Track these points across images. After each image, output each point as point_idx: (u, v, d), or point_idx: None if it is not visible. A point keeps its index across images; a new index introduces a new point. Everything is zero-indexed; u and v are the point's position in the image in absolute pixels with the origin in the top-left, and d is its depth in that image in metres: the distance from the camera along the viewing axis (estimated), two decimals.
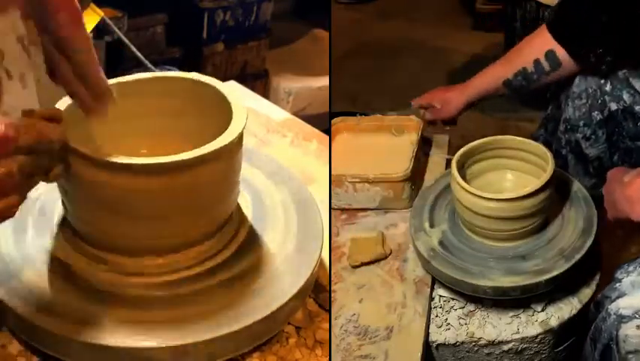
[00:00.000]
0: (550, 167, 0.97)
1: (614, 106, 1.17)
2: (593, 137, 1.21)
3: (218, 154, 0.73)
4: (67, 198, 0.78)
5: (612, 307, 0.86)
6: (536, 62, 1.19)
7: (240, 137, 0.78)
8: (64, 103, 0.78)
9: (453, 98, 1.34)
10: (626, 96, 1.15)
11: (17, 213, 0.84)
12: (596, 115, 1.19)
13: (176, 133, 0.87)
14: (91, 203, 0.75)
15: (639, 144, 1.17)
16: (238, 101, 0.81)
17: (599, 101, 1.18)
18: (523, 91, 1.26)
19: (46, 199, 0.87)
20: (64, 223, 0.83)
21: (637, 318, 0.83)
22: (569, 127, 1.23)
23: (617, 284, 0.88)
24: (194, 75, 0.88)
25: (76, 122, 0.76)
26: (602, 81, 1.16)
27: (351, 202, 1.17)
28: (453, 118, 1.37)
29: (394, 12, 3.11)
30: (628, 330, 0.83)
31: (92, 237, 0.79)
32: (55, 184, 0.79)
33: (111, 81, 0.83)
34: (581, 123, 1.21)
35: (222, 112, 0.81)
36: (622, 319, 0.84)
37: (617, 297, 0.86)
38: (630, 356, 0.83)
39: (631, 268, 0.90)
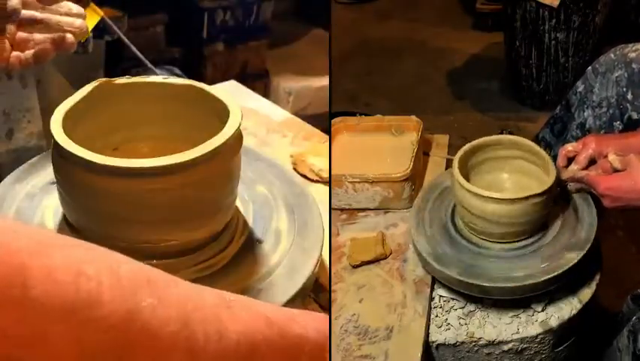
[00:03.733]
0: (552, 169, 0.97)
1: (635, 115, 1.16)
2: None
3: (213, 154, 0.73)
4: (64, 201, 0.78)
5: None
6: None
7: (237, 137, 0.78)
8: (65, 105, 0.78)
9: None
10: None
11: (16, 215, 0.84)
12: (618, 125, 1.18)
13: (172, 138, 0.87)
14: (88, 206, 0.75)
15: None
16: (233, 103, 0.81)
17: (620, 109, 1.17)
18: None
19: (45, 200, 0.87)
20: (64, 224, 0.83)
21: None
22: (586, 134, 1.22)
23: None
24: (186, 81, 0.87)
25: (74, 125, 0.76)
26: (624, 89, 1.16)
27: (351, 202, 1.17)
28: None
29: (394, 12, 3.11)
30: None
31: (91, 239, 0.78)
32: (55, 186, 0.79)
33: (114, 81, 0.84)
34: (602, 132, 1.20)
35: (219, 114, 0.81)
36: None
37: None
38: None
39: None
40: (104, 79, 0.83)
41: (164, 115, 0.88)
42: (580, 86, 1.24)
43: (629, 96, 1.16)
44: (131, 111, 0.86)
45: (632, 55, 1.17)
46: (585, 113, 1.22)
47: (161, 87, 0.86)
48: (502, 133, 1.26)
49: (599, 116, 1.20)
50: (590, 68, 1.23)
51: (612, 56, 1.20)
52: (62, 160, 0.74)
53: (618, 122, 1.18)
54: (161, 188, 0.72)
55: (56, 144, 0.73)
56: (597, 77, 1.20)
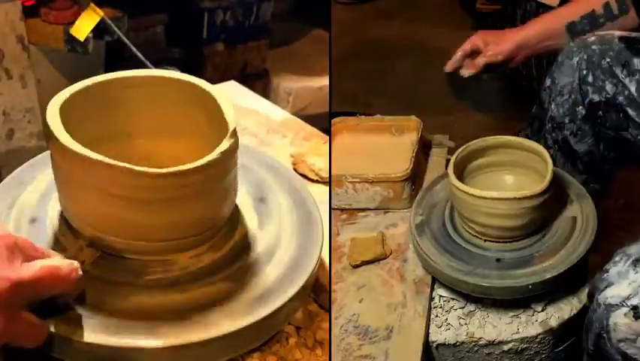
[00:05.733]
0: (550, 167, 0.97)
1: (596, 98, 1.15)
2: (579, 132, 1.20)
3: (213, 165, 0.74)
4: (63, 199, 0.78)
5: (601, 297, 0.87)
6: (606, 4, 1.19)
7: (234, 144, 0.78)
8: (59, 99, 0.78)
9: (507, 34, 1.28)
10: (608, 87, 1.14)
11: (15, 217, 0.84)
12: (580, 110, 1.18)
13: (169, 131, 0.88)
14: (87, 204, 0.75)
15: (623, 134, 1.16)
16: (228, 103, 0.81)
17: (581, 94, 1.17)
18: (582, 35, 1.23)
19: (46, 198, 0.87)
20: (62, 223, 0.83)
21: (624, 306, 0.84)
22: (555, 125, 1.22)
23: (605, 275, 0.89)
24: (181, 75, 0.87)
25: (73, 118, 0.76)
26: (584, 72, 1.16)
27: (351, 202, 1.17)
28: (507, 59, 1.32)
29: (394, 12, 3.11)
30: (617, 318, 0.84)
31: (90, 237, 0.78)
32: (54, 184, 0.79)
33: (107, 76, 0.84)
34: (567, 120, 1.20)
35: (214, 112, 0.81)
36: (610, 308, 0.85)
37: (606, 287, 0.87)
38: (621, 343, 0.84)
39: (617, 258, 0.90)
40: (97, 76, 0.83)
41: (158, 111, 0.88)
42: (547, 82, 1.24)
43: (590, 79, 1.15)
44: (124, 107, 0.86)
45: (592, 38, 1.17)
46: (552, 106, 1.22)
47: (156, 83, 0.86)
48: (518, 135, 1.27)
49: (562, 104, 1.19)
50: (554, 63, 1.23)
51: (571, 44, 1.20)
52: (67, 162, 0.73)
53: (580, 107, 1.18)
54: (160, 190, 0.72)
55: (59, 143, 0.72)
56: (559, 68, 1.20)
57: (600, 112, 1.16)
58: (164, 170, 0.71)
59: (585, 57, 1.16)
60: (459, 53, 1.34)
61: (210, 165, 0.74)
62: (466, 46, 1.32)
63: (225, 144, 0.75)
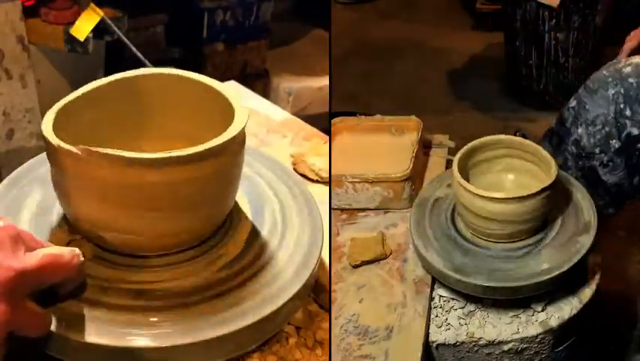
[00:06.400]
0: (554, 168, 0.97)
1: (635, 131, 1.15)
2: (610, 164, 1.19)
3: (218, 151, 0.74)
4: (62, 195, 0.78)
5: None
6: None
7: (241, 136, 0.78)
8: (62, 102, 0.78)
9: None
10: None
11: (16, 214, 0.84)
12: (614, 143, 1.17)
13: (176, 133, 0.87)
14: (87, 199, 0.75)
15: None
16: (239, 102, 0.81)
17: (617, 127, 1.17)
18: None
19: (45, 197, 0.87)
20: (62, 221, 0.83)
21: None
22: (583, 154, 1.21)
23: None
24: (192, 74, 0.87)
25: (71, 121, 0.76)
26: (622, 106, 1.15)
27: (351, 202, 1.17)
28: None
29: (394, 12, 3.12)
30: None
31: (90, 234, 0.78)
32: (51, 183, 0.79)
33: (109, 78, 0.84)
34: (597, 150, 1.19)
35: (224, 112, 0.81)
36: None
37: None
38: None
39: None
40: (103, 78, 0.83)
41: (166, 111, 0.88)
42: (572, 102, 1.23)
43: (628, 112, 1.15)
44: (131, 108, 0.86)
45: (627, 70, 1.17)
46: (579, 130, 1.21)
47: (163, 82, 0.86)
48: (515, 134, 1.26)
49: (593, 135, 1.19)
50: (582, 85, 1.23)
51: (605, 72, 1.19)
52: (61, 156, 0.73)
53: (614, 141, 1.17)
54: (161, 182, 0.72)
55: (48, 141, 0.72)
56: (590, 95, 1.19)
57: (637, 145, 1.16)
58: (159, 155, 0.71)
59: (622, 91, 1.15)
60: (622, 57, 1.29)
61: (210, 151, 0.73)
62: (626, 53, 1.28)
63: (228, 134, 0.75)
